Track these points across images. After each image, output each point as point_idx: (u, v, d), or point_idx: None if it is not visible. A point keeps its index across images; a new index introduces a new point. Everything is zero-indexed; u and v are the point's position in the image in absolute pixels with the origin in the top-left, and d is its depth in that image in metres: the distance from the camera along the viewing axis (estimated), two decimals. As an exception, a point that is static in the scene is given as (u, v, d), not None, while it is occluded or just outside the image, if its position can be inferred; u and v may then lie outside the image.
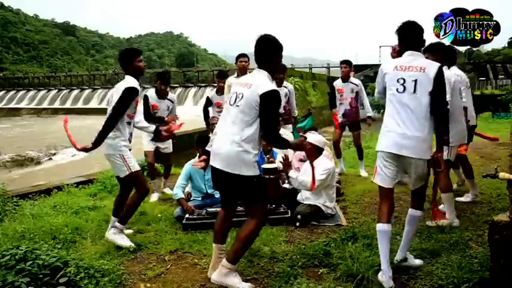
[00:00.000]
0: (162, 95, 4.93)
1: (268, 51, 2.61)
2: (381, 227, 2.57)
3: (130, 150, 3.68)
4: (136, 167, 3.40)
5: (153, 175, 5.07)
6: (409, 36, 2.67)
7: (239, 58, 5.64)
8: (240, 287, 2.54)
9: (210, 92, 5.92)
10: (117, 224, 3.39)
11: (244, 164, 2.49)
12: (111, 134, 3.28)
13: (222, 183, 2.66)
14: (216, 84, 5.79)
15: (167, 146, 5.14)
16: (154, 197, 4.92)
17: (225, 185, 2.67)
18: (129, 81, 3.32)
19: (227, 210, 2.78)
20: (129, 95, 3.28)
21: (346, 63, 5.79)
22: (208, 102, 5.63)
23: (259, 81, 2.51)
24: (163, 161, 5.31)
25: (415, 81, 2.53)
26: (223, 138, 2.56)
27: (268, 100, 2.45)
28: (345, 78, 5.78)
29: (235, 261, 2.58)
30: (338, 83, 5.89)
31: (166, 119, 4.39)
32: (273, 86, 2.51)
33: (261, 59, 2.61)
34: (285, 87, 5.48)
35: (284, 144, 2.67)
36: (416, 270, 2.66)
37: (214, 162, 2.60)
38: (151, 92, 4.94)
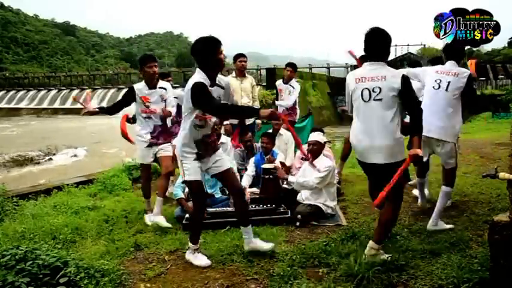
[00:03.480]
0: (151, 84, 3.98)
1: (383, 43, 2.73)
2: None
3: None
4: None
5: (147, 194, 4.21)
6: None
7: (238, 58, 5.70)
8: (385, 257, 2.74)
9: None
10: (190, 244, 3.08)
11: (399, 151, 2.70)
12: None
13: (378, 174, 2.80)
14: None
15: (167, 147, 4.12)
16: (146, 218, 4.05)
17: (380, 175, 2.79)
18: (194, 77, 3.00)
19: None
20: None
21: (290, 66, 6.08)
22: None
23: (391, 70, 2.71)
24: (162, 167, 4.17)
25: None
26: (376, 133, 2.68)
27: (408, 82, 2.67)
28: (288, 80, 6.01)
29: (380, 243, 2.78)
30: (279, 83, 6.17)
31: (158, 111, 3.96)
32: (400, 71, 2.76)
33: (377, 52, 2.74)
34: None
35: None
36: (417, 270, 2.66)
37: (371, 158, 2.73)
38: (140, 84, 4.06)
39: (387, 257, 2.75)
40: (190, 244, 3.05)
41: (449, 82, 3.34)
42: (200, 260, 3.00)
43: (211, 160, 3.02)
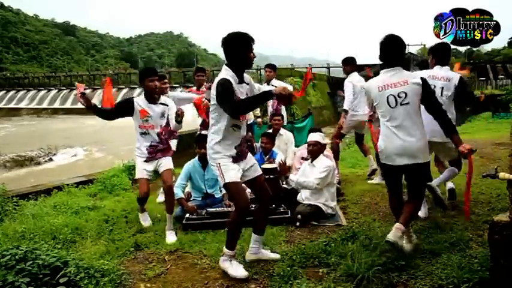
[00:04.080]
0: (152, 98, 3.79)
1: (399, 49, 2.86)
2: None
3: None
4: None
5: (142, 208, 4.03)
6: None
7: None
8: (404, 245, 2.85)
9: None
10: (225, 250, 2.89)
11: (427, 151, 2.90)
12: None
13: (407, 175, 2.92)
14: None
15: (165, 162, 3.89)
16: (141, 219, 4.01)
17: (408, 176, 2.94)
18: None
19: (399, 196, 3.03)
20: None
21: (270, 67, 6.05)
22: None
23: (410, 74, 2.87)
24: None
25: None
26: (408, 136, 2.78)
27: (428, 85, 2.87)
28: (268, 81, 5.94)
29: (407, 225, 2.86)
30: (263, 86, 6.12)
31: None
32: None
33: (394, 58, 2.87)
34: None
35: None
36: (417, 270, 2.66)
37: (401, 160, 2.81)
38: (140, 97, 3.89)
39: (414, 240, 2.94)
40: (225, 250, 2.82)
41: (442, 88, 3.44)
42: (236, 270, 2.77)
43: (248, 163, 2.91)
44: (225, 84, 2.63)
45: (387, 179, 3.09)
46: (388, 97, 2.80)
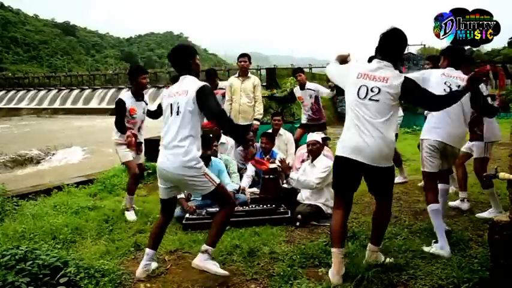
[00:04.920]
0: (140, 95, 4.29)
1: (399, 46, 2.66)
2: (433, 206, 3.01)
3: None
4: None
5: (133, 189, 4.32)
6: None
7: (239, 58, 5.71)
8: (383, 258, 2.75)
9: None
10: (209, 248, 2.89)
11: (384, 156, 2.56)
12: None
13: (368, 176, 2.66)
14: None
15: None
16: (131, 215, 4.18)
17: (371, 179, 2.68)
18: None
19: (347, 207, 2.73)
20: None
21: (301, 71, 6.22)
22: None
23: (397, 75, 2.59)
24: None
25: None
26: (369, 136, 2.51)
27: (411, 83, 2.60)
28: (302, 85, 5.97)
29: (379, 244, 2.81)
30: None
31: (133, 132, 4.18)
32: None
33: (391, 52, 2.65)
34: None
35: None
36: (417, 270, 2.66)
37: (360, 157, 2.53)
38: (127, 95, 4.25)
39: (386, 259, 2.75)
40: (210, 248, 2.77)
41: (458, 87, 2.94)
42: (218, 267, 2.78)
43: None
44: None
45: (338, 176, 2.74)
46: (360, 87, 2.59)
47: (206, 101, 2.66)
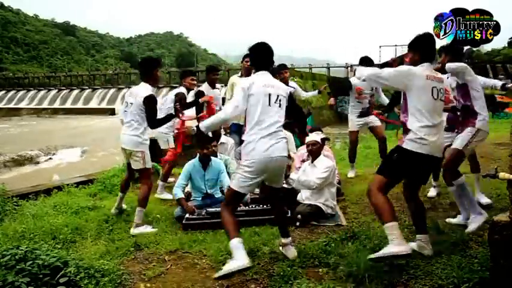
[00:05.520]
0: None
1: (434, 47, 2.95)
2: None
3: None
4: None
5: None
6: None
7: (244, 58, 5.71)
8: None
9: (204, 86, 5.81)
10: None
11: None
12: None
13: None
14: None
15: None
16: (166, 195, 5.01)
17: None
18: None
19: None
20: None
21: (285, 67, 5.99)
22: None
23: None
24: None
25: None
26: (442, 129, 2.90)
27: None
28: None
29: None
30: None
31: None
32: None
33: (433, 54, 2.93)
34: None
35: None
36: (417, 270, 2.66)
37: (437, 153, 2.80)
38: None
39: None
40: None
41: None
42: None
43: None
44: None
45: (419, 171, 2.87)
46: (433, 88, 2.77)
47: None
